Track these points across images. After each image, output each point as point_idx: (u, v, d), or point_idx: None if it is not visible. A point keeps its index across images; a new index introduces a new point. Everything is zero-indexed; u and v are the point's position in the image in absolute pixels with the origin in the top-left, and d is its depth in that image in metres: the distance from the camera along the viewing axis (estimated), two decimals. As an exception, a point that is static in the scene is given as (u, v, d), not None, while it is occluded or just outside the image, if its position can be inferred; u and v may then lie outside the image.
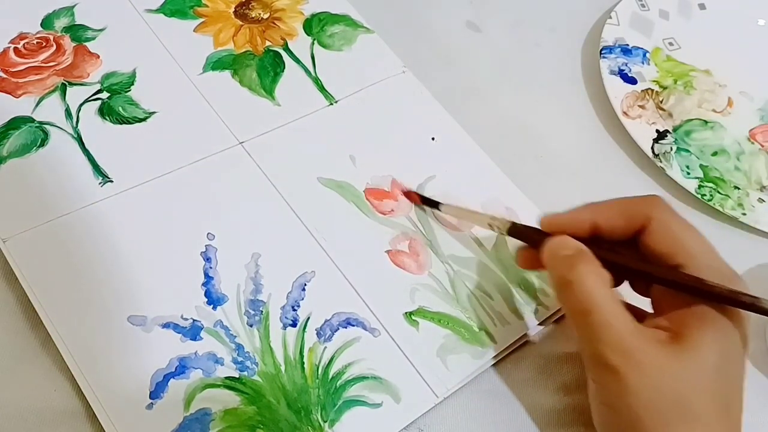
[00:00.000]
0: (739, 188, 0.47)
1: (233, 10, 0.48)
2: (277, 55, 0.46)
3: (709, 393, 0.30)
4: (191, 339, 0.35)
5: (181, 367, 0.34)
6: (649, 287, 0.35)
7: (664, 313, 0.33)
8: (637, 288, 0.35)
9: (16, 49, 0.42)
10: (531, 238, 0.35)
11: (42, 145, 0.39)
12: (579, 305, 0.31)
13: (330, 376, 0.35)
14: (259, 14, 0.48)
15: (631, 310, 0.35)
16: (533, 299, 0.40)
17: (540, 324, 0.39)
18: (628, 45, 0.52)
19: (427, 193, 0.42)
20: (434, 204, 0.40)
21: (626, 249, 0.34)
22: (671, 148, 0.47)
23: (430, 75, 0.48)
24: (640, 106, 0.49)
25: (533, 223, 0.36)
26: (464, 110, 0.46)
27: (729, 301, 0.31)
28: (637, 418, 0.30)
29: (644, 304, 0.35)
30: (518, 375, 0.38)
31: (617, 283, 0.35)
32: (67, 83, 0.42)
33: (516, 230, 0.36)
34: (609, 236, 0.34)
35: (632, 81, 0.50)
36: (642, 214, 0.33)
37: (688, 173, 0.46)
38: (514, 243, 0.41)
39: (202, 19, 0.47)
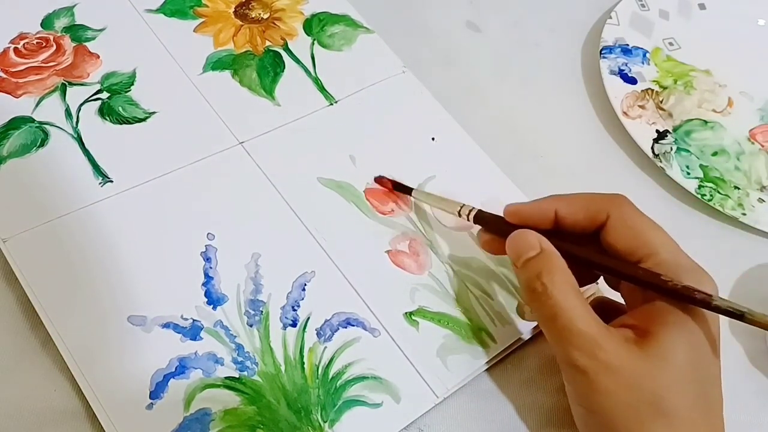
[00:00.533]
0: (739, 188, 0.47)
1: (233, 10, 0.48)
2: (277, 55, 0.46)
3: (683, 388, 0.30)
4: (191, 339, 0.35)
5: (181, 367, 0.34)
6: (618, 282, 0.35)
7: (631, 309, 0.33)
8: (608, 282, 0.36)
9: (16, 49, 0.42)
10: (497, 226, 0.36)
11: (42, 145, 0.39)
12: (546, 311, 0.31)
13: (330, 376, 0.35)
14: (259, 14, 0.48)
15: (612, 306, 0.35)
16: (533, 299, 0.40)
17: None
18: (628, 45, 0.52)
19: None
20: (407, 190, 0.41)
21: (589, 243, 0.34)
22: (671, 148, 0.47)
23: (430, 75, 0.48)
24: (640, 106, 0.49)
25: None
26: (464, 110, 0.46)
27: (682, 297, 0.31)
28: (612, 418, 0.30)
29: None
30: (518, 375, 0.38)
31: (582, 277, 0.35)
32: (67, 83, 0.42)
33: (482, 218, 0.37)
34: (571, 229, 0.34)
35: (632, 81, 0.50)
36: (603, 210, 0.33)
37: (688, 173, 0.46)
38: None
39: (202, 19, 0.47)
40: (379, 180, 0.42)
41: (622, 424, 0.30)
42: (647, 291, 0.32)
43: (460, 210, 0.38)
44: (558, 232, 0.34)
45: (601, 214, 0.34)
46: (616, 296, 0.36)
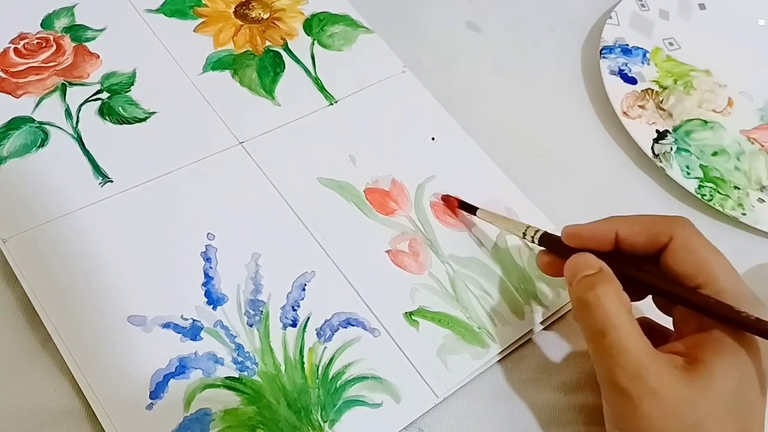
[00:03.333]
0: (739, 188, 0.47)
1: (233, 10, 0.48)
2: (277, 55, 0.46)
3: (724, 420, 0.29)
4: (191, 339, 0.35)
5: (181, 367, 0.34)
6: (671, 306, 0.34)
7: (683, 335, 0.32)
8: (659, 306, 0.35)
9: (16, 50, 0.42)
10: (559, 249, 0.35)
11: (42, 145, 0.39)
12: (596, 326, 0.31)
13: (330, 376, 0.35)
14: (259, 14, 0.48)
15: (655, 329, 0.35)
16: (533, 299, 0.40)
17: (540, 324, 0.39)
18: (628, 45, 0.52)
19: (427, 193, 0.42)
20: (472, 209, 0.40)
21: (648, 266, 0.34)
22: (671, 148, 0.47)
23: (430, 75, 0.48)
24: (640, 106, 0.49)
25: (541, 225, 0.36)
26: (464, 110, 0.46)
27: (752, 328, 0.30)
28: None
29: (668, 322, 0.35)
30: (518, 375, 0.38)
31: (638, 297, 0.34)
32: (67, 83, 0.42)
33: (547, 240, 0.36)
34: (630, 251, 0.34)
35: (632, 81, 0.50)
36: (666, 231, 0.33)
37: (688, 173, 0.46)
38: (514, 244, 0.41)
39: (202, 19, 0.47)
40: (444, 198, 0.42)
41: None
42: (703, 319, 0.31)
43: (525, 231, 0.37)
44: (616, 254, 0.34)
45: (663, 236, 0.33)
46: (661, 318, 0.35)
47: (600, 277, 0.32)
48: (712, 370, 0.30)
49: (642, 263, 0.34)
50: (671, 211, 0.46)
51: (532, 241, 0.37)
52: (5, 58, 0.42)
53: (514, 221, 0.39)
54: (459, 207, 0.41)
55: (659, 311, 0.35)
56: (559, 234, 0.35)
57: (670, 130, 0.49)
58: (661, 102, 0.50)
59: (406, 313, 0.38)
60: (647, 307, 0.36)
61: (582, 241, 0.34)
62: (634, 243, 0.33)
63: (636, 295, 0.34)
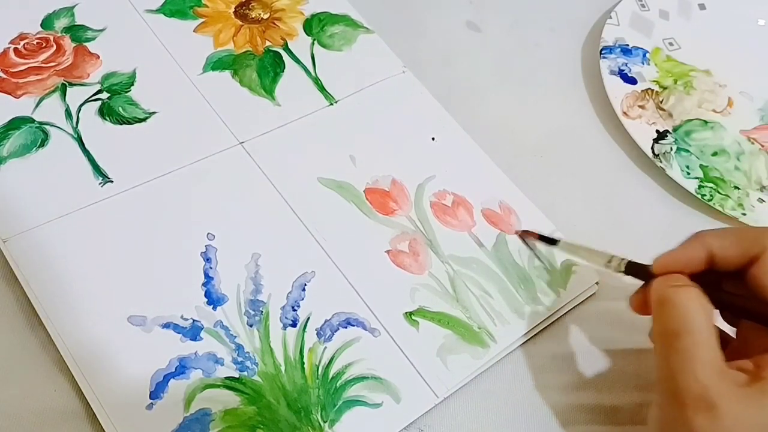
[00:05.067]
0: (739, 188, 0.47)
1: (233, 10, 0.48)
2: (277, 55, 0.46)
3: None
4: (191, 339, 0.35)
5: (181, 368, 0.34)
6: (739, 319, 0.33)
7: (750, 351, 0.31)
8: (724, 315, 0.34)
9: (16, 50, 0.42)
10: (647, 277, 0.34)
11: (42, 145, 0.39)
12: (672, 325, 0.30)
13: (330, 377, 0.35)
14: (259, 14, 0.48)
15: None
16: (533, 299, 0.40)
17: (540, 324, 0.39)
18: (628, 45, 0.52)
19: (427, 193, 0.42)
20: (552, 241, 0.40)
21: (732, 283, 0.32)
22: (671, 148, 0.47)
23: (430, 75, 0.48)
24: (640, 106, 0.49)
25: (540, 225, 0.36)
26: (464, 110, 0.46)
27: None
28: None
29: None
30: (518, 375, 0.38)
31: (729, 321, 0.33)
32: (67, 83, 0.42)
33: (633, 268, 0.35)
34: (723, 266, 0.32)
35: (632, 81, 0.50)
36: (758, 243, 0.31)
37: (688, 173, 0.46)
38: (514, 244, 0.41)
39: (202, 20, 0.47)
40: (522, 234, 0.41)
41: None
42: None
43: (609, 261, 0.36)
44: (706, 278, 0.32)
45: (755, 248, 0.31)
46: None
47: (684, 280, 0.31)
48: None
49: (725, 280, 0.33)
50: (671, 211, 0.46)
51: (618, 271, 0.35)
52: (5, 59, 0.42)
53: (597, 251, 0.37)
54: (539, 240, 0.40)
55: (722, 319, 0.34)
56: (643, 262, 0.34)
57: (670, 130, 0.49)
58: (661, 102, 0.50)
59: (406, 313, 0.38)
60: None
61: (673, 270, 0.32)
62: (725, 257, 0.32)
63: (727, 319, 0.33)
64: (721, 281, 0.33)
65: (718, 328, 0.32)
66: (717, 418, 0.28)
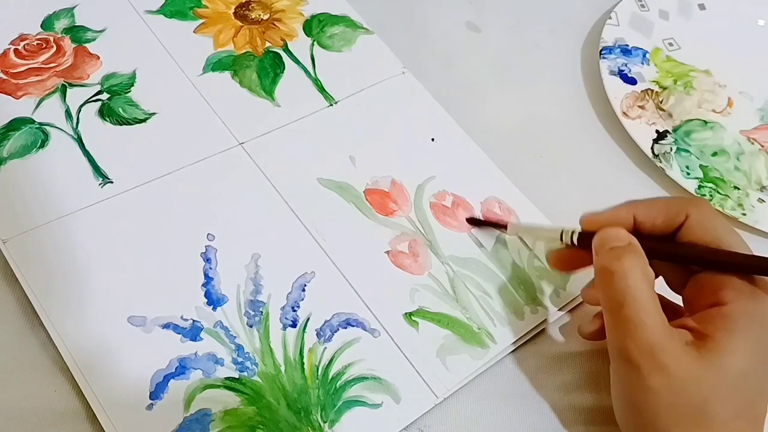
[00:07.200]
0: (739, 188, 0.47)
1: (233, 11, 0.48)
2: (277, 56, 0.46)
3: (730, 396, 0.30)
4: (191, 339, 0.35)
5: (181, 368, 0.34)
6: (683, 284, 0.35)
7: (694, 311, 0.33)
8: (671, 285, 0.36)
9: (16, 51, 0.42)
10: (586, 242, 0.35)
11: (42, 146, 0.39)
12: (615, 296, 0.31)
13: (330, 377, 0.35)
14: (259, 15, 0.48)
15: (667, 306, 0.34)
16: (533, 299, 0.40)
17: (540, 324, 0.39)
18: (627, 45, 0.52)
19: (427, 194, 0.42)
20: (500, 226, 0.41)
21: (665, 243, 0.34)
22: (671, 149, 0.47)
23: (430, 75, 0.48)
24: (639, 107, 0.49)
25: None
26: (464, 110, 0.46)
27: None
28: (654, 417, 0.30)
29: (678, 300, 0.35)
30: (518, 375, 0.38)
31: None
32: (67, 84, 0.42)
33: (586, 240, 0.35)
34: (648, 233, 0.34)
35: (632, 81, 0.50)
36: (682, 211, 0.33)
37: (688, 173, 0.46)
38: (514, 244, 0.41)
39: (202, 20, 0.47)
40: (470, 220, 0.42)
41: (662, 424, 0.30)
42: (714, 295, 0.32)
43: (561, 234, 0.36)
44: (635, 235, 0.34)
45: (680, 216, 0.33)
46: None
47: (628, 249, 0.32)
48: (722, 347, 0.30)
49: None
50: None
51: (571, 242, 0.36)
52: (5, 60, 0.42)
53: (547, 226, 0.38)
54: (489, 226, 0.41)
55: (670, 290, 0.36)
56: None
57: (670, 131, 0.49)
58: (661, 102, 0.50)
59: (405, 313, 0.38)
60: (658, 287, 0.36)
61: (601, 227, 0.34)
62: (653, 225, 0.34)
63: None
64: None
65: (662, 296, 0.34)
66: (669, 377, 0.30)
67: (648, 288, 0.31)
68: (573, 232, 0.36)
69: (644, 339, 0.30)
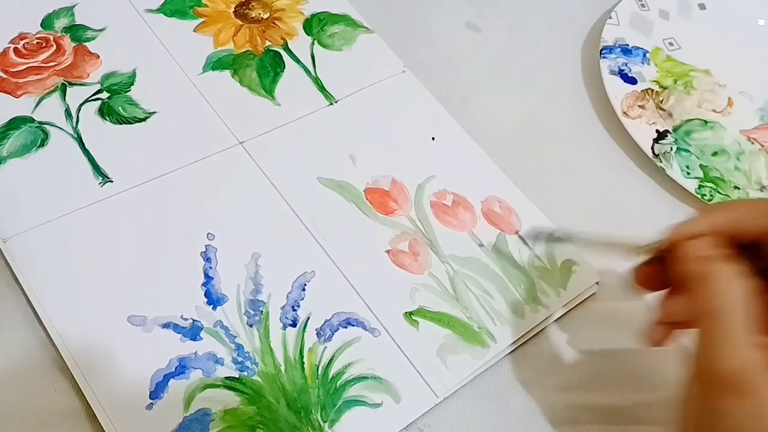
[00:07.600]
0: (739, 188, 0.47)
1: (233, 10, 0.48)
2: (277, 54, 0.46)
3: None
4: (191, 339, 0.35)
5: (181, 368, 0.34)
6: None
7: None
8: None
9: (16, 49, 0.42)
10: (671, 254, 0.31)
11: (42, 145, 0.39)
12: (707, 305, 0.28)
13: (330, 376, 0.35)
14: (259, 14, 0.48)
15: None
16: (533, 298, 0.40)
17: (540, 324, 0.39)
18: (628, 45, 0.52)
19: (427, 193, 0.42)
20: (563, 239, 0.40)
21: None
22: (671, 148, 0.47)
23: (430, 75, 0.48)
24: (640, 106, 0.49)
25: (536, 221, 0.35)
26: (464, 110, 0.46)
27: None
28: None
29: None
30: (518, 375, 0.38)
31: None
32: (67, 83, 0.42)
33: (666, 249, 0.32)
34: (740, 239, 0.30)
35: (632, 81, 0.50)
36: None
37: (688, 173, 0.46)
38: (514, 243, 0.41)
39: (202, 19, 0.47)
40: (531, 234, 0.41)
41: None
42: None
43: (637, 249, 0.33)
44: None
45: None
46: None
47: (721, 255, 0.29)
48: None
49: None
50: (671, 211, 0.46)
51: (648, 256, 0.33)
52: (5, 58, 0.42)
53: (616, 239, 0.35)
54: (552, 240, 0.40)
55: None
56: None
57: (670, 130, 0.49)
58: (661, 102, 0.50)
59: (406, 312, 0.38)
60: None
61: (691, 237, 0.30)
62: (741, 229, 0.30)
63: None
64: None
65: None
66: (746, 402, 0.27)
67: (741, 299, 0.28)
68: (657, 244, 0.32)
69: (728, 357, 0.27)
